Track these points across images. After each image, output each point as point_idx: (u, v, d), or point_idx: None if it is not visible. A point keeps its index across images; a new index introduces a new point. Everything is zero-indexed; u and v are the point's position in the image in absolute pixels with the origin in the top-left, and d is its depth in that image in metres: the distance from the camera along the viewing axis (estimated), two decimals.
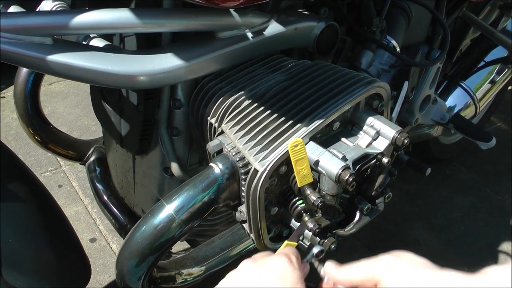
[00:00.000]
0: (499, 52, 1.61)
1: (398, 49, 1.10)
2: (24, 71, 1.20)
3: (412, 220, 1.73)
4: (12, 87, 2.33)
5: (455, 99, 1.51)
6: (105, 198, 1.22)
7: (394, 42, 1.09)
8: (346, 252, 1.56)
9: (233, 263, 1.02)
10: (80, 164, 1.31)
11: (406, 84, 1.07)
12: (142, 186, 1.08)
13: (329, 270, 0.58)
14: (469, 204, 1.81)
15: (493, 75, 1.59)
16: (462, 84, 1.52)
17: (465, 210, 1.78)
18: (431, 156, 1.85)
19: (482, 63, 1.59)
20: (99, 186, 1.24)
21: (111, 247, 1.56)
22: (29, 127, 1.22)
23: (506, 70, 1.62)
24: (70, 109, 2.19)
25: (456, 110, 1.49)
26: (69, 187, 1.79)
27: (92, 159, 1.27)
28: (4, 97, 2.26)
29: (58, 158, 1.90)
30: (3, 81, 2.30)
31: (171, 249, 1.00)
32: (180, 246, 1.44)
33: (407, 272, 0.51)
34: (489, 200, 1.84)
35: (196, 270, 0.95)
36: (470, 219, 1.75)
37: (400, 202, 1.80)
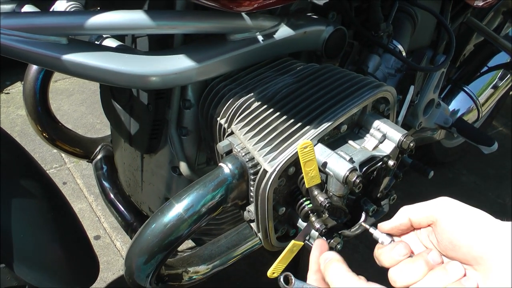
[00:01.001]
0: (502, 57, 1.62)
1: (404, 54, 1.11)
2: (33, 68, 1.21)
3: None
4: (16, 84, 2.35)
5: (458, 103, 1.52)
6: (112, 196, 1.23)
7: (400, 47, 1.11)
8: (348, 253, 1.58)
9: (239, 262, 1.03)
10: (87, 161, 1.33)
11: (412, 88, 1.08)
12: (149, 184, 1.09)
13: (383, 224, 0.61)
14: None
15: (496, 80, 1.61)
16: (465, 88, 1.54)
17: None
18: (433, 159, 1.87)
19: (485, 68, 1.61)
20: (106, 184, 1.25)
21: (115, 245, 1.58)
22: (38, 124, 1.23)
23: (509, 75, 1.63)
24: (75, 106, 2.20)
25: (459, 114, 1.50)
26: (73, 184, 1.80)
27: (99, 157, 1.29)
28: (8, 93, 2.27)
29: (62, 155, 1.91)
30: (8, 78, 2.32)
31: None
32: (184, 245, 1.45)
33: (465, 211, 0.52)
34: (490, 203, 1.85)
35: (202, 268, 0.97)
36: None
37: (403, 204, 1.80)
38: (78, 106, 2.20)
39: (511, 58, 1.60)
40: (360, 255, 1.57)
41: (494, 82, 1.61)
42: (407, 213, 0.59)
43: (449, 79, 1.55)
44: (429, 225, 0.56)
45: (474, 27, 1.45)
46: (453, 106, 1.51)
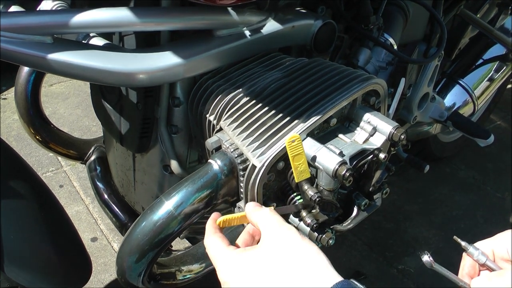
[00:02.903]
0: (497, 50, 1.62)
1: (395, 47, 1.11)
2: (24, 71, 1.21)
3: (412, 218, 1.74)
4: (13, 89, 2.35)
5: (453, 97, 1.52)
6: (106, 196, 1.23)
7: (391, 40, 1.10)
8: (346, 250, 1.57)
9: None
10: (81, 163, 1.32)
11: (402, 80, 1.07)
12: (142, 184, 1.09)
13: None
14: (469, 202, 1.81)
15: (492, 72, 1.61)
16: (461, 82, 1.53)
17: (465, 208, 1.79)
18: (431, 154, 1.86)
19: (481, 61, 1.60)
20: (100, 185, 1.24)
21: (112, 246, 1.57)
22: (30, 126, 1.23)
23: (505, 67, 1.63)
24: (70, 110, 2.20)
25: (454, 107, 1.50)
26: (70, 187, 1.80)
27: (92, 158, 1.28)
28: (5, 98, 2.27)
29: (59, 158, 1.91)
30: (4, 83, 2.32)
31: (172, 246, 1.01)
32: (180, 245, 1.45)
33: None
34: (489, 198, 1.84)
35: (196, 267, 0.96)
36: (470, 217, 1.76)
37: (400, 200, 1.80)
38: (73, 109, 2.20)
39: (507, 50, 1.59)
40: (358, 253, 1.56)
41: (489, 75, 1.60)
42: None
43: (444, 73, 1.54)
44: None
45: (468, 19, 1.44)
46: (448, 99, 1.50)
